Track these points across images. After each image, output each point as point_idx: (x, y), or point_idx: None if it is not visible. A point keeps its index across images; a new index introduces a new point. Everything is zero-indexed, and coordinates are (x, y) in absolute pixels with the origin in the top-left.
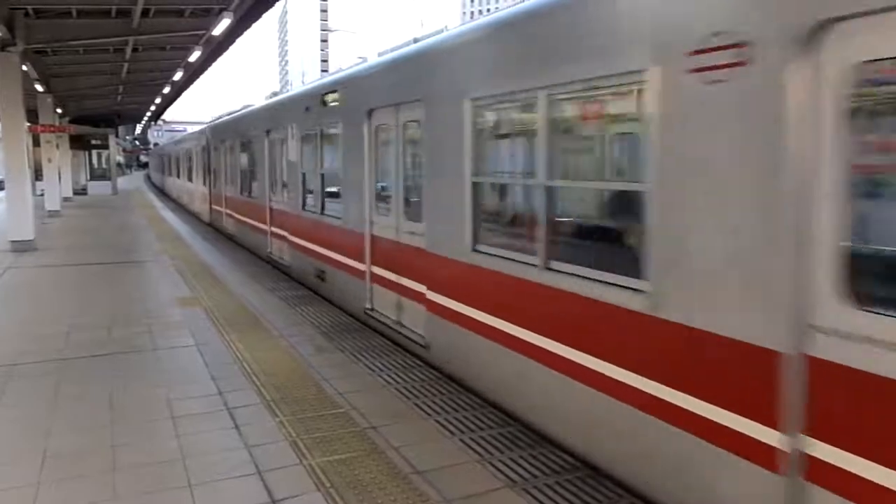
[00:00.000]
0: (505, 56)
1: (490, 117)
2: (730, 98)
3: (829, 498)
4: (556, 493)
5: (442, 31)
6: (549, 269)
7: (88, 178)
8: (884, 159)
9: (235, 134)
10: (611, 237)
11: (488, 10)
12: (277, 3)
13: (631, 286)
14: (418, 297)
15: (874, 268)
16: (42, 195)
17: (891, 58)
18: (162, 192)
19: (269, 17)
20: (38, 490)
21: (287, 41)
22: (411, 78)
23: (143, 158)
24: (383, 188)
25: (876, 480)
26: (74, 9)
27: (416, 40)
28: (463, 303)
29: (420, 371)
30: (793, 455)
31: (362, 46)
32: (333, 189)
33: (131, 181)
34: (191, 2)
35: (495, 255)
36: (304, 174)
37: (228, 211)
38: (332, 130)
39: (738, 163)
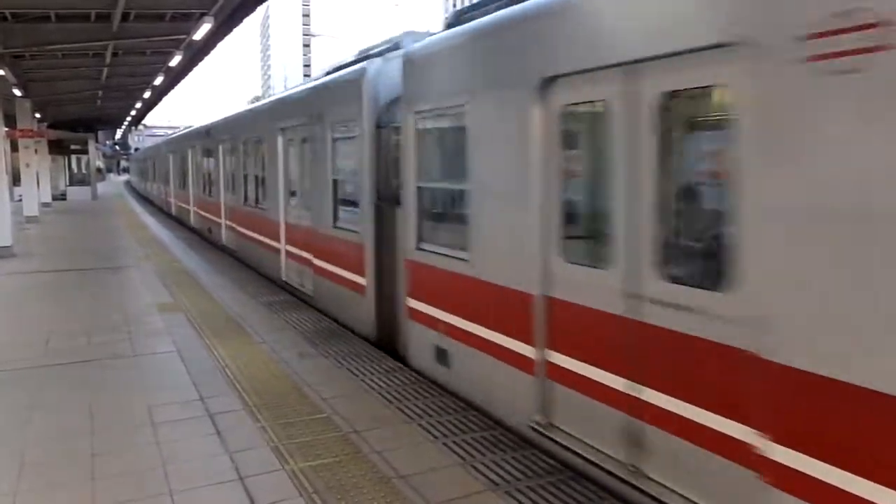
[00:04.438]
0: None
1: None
2: None
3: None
4: (538, 495)
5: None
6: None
7: (68, 183)
8: None
9: None
10: None
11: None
12: (259, 8)
13: None
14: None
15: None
16: (20, 201)
17: None
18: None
19: (252, 22)
20: (16, 499)
21: (269, 46)
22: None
23: (123, 164)
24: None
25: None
26: (53, 13)
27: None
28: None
29: (403, 375)
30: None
31: (345, 52)
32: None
33: (109, 187)
34: (171, 6)
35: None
36: None
37: None
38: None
39: None
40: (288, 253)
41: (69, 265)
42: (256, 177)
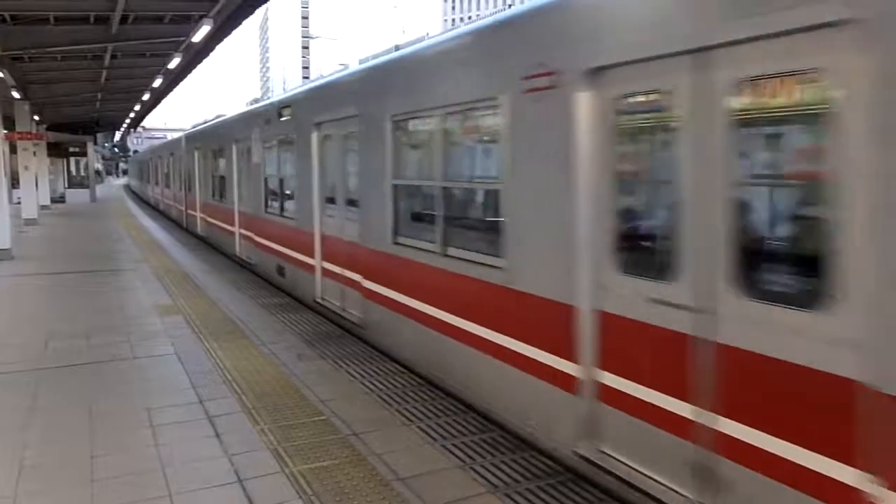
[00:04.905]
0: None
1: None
2: None
3: None
4: (538, 497)
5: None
6: None
7: (66, 185)
8: None
9: None
10: None
11: (469, 17)
12: (258, 10)
13: None
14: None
15: None
16: (19, 203)
17: None
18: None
19: (250, 24)
20: (15, 502)
21: (268, 48)
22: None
23: (122, 166)
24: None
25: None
26: (52, 15)
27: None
28: None
29: (402, 377)
30: None
31: (344, 53)
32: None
33: (106, 190)
34: (170, 8)
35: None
36: None
37: None
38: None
39: None
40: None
41: (68, 267)
42: (424, 192)
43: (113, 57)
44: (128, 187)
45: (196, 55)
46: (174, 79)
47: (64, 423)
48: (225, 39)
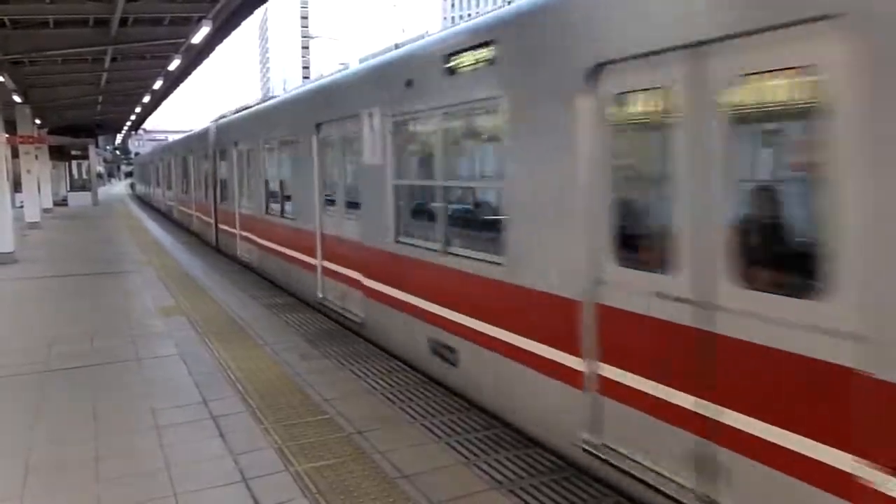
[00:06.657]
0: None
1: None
2: None
3: None
4: (541, 493)
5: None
6: None
7: (68, 188)
8: None
9: None
10: None
11: (468, 14)
12: (257, 11)
13: None
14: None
15: None
16: (21, 207)
17: None
18: None
19: (250, 25)
20: (22, 502)
21: (268, 48)
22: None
23: (124, 168)
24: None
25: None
26: (51, 19)
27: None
28: None
29: (405, 375)
30: None
31: (344, 53)
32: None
33: (106, 195)
34: (169, 10)
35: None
36: None
37: None
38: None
39: None
40: None
41: (71, 270)
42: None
43: (113, 60)
44: (136, 196)
45: (196, 56)
46: (175, 80)
47: (69, 425)
48: (225, 40)
